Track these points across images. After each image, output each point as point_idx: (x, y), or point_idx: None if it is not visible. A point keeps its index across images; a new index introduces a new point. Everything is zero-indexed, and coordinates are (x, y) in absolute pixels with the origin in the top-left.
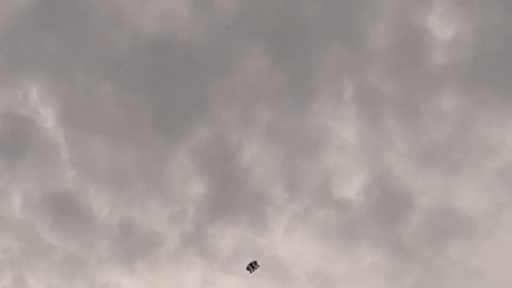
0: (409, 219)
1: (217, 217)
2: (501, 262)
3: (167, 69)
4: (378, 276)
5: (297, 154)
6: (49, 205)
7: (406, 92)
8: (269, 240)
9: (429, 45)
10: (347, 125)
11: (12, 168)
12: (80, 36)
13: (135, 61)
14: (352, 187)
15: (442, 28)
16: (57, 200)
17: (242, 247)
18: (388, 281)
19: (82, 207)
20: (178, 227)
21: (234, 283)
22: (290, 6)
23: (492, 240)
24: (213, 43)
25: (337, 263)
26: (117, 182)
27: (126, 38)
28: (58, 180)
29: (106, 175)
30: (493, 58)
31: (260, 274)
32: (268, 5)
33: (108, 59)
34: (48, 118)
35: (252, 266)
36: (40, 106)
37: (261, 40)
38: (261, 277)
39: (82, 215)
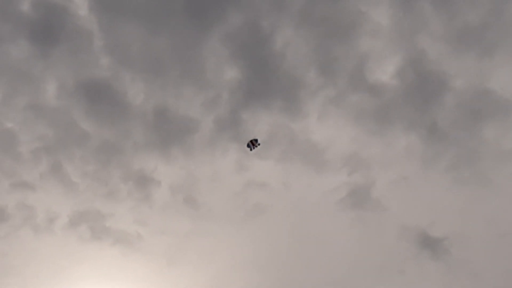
0: (443, 102)
1: (251, 103)
2: None
3: None
4: (413, 158)
5: (330, 38)
6: (84, 92)
7: None
8: (303, 125)
9: None
10: (381, 8)
11: (46, 56)
12: None
13: None
14: (386, 70)
15: None
16: (92, 87)
17: (277, 132)
18: (422, 163)
19: (116, 94)
20: (212, 113)
21: (269, 168)
22: None
23: None
24: None
25: (371, 147)
26: (151, 69)
27: None
28: (92, 67)
29: (140, 61)
30: None
31: (295, 158)
32: None
33: None
34: (81, 5)
35: (253, 144)
36: None
37: None
38: (296, 161)
39: (116, 102)
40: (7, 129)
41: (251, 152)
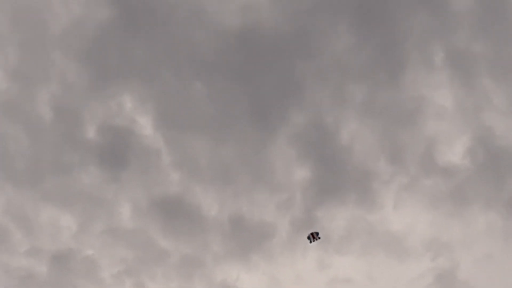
0: None
1: (324, 200)
2: None
3: (256, 59)
4: (494, 235)
5: (396, 126)
6: (158, 210)
7: (497, 48)
8: (380, 216)
9: None
10: (442, 90)
11: (118, 179)
12: (165, 40)
13: (222, 56)
14: (455, 151)
15: None
16: (165, 204)
17: (354, 226)
18: (505, 238)
19: (190, 208)
20: (287, 215)
21: (351, 263)
22: None
23: None
24: (297, 27)
25: (451, 229)
26: (221, 178)
27: (211, 35)
28: (163, 184)
29: (210, 172)
30: None
31: (376, 250)
32: None
33: (195, 57)
34: (145, 124)
35: (313, 236)
36: (135, 114)
37: (344, 18)
38: (377, 253)
39: (191, 215)
40: (87, 256)
41: (331, 250)
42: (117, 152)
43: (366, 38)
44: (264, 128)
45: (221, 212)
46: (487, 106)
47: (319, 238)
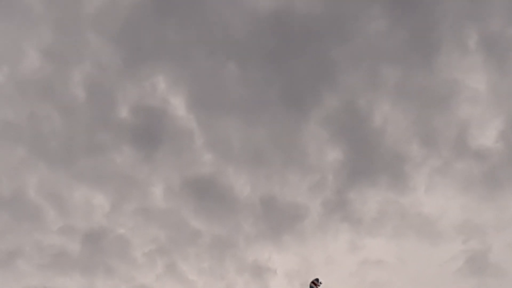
0: None
1: (356, 182)
2: None
3: (289, 42)
4: None
5: (429, 109)
6: (191, 191)
7: None
8: (412, 199)
9: None
10: (476, 74)
11: (150, 160)
12: (199, 21)
13: (255, 38)
14: (488, 135)
15: None
16: (198, 185)
17: (386, 208)
18: None
19: (223, 189)
20: (319, 196)
21: (382, 245)
22: None
23: None
24: (330, 10)
25: (483, 213)
26: (254, 160)
27: (244, 16)
28: (196, 165)
29: (242, 154)
30: None
31: (407, 233)
32: None
33: (229, 39)
34: (178, 105)
35: (315, 284)
36: (169, 94)
37: (377, 1)
38: (409, 236)
39: (224, 196)
40: (119, 235)
41: (363, 232)
42: (150, 132)
43: (399, 21)
44: (297, 110)
45: (253, 193)
46: None
47: (321, 283)
